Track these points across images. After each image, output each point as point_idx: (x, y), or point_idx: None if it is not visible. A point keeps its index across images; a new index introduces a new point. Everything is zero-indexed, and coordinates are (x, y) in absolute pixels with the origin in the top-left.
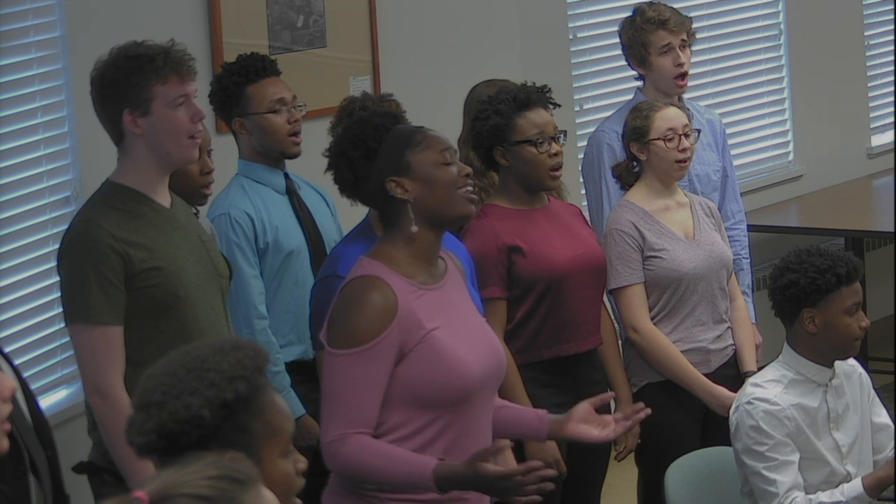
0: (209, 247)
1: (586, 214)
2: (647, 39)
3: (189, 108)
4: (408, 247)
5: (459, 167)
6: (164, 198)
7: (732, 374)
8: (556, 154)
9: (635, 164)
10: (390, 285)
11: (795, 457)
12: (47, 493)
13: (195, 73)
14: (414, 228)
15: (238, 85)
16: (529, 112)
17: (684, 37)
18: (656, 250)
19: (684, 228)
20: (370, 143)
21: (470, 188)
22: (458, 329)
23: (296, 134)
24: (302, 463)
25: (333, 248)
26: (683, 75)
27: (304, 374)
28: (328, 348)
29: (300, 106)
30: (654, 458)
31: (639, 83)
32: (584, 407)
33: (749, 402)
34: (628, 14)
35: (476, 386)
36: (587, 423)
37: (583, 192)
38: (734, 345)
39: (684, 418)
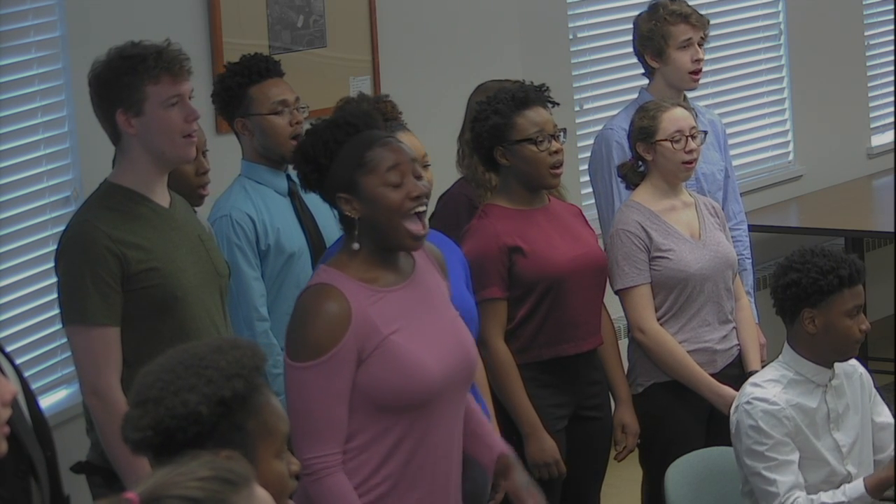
0: (209, 246)
1: (587, 214)
2: (668, 31)
3: (183, 108)
4: (365, 255)
5: (409, 188)
6: (162, 197)
7: (737, 374)
8: (556, 152)
9: (641, 163)
10: (343, 293)
11: (795, 456)
12: (45, 493)
13: (190, 73)
14: (355, 246)
15: (241, 85)
16: (528, 111)
17: (703, 34)
18: (663, 251)
19: (690, 229)
20: (320, 160)
21: (421, 208)
22: (421, 330)
23: (297, 136)
24: (295, 465)
25: (329, 247)
26: (698, 71)
27: None
28: (289, 361)
29: (303, 108)
30: (658, 458)
31: (643, 82)
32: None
33: (748, 402)
34: (628, 14)
35: (437, 389)
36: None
37: (583, 191)
38: (739, 345)
39: (690, 418)
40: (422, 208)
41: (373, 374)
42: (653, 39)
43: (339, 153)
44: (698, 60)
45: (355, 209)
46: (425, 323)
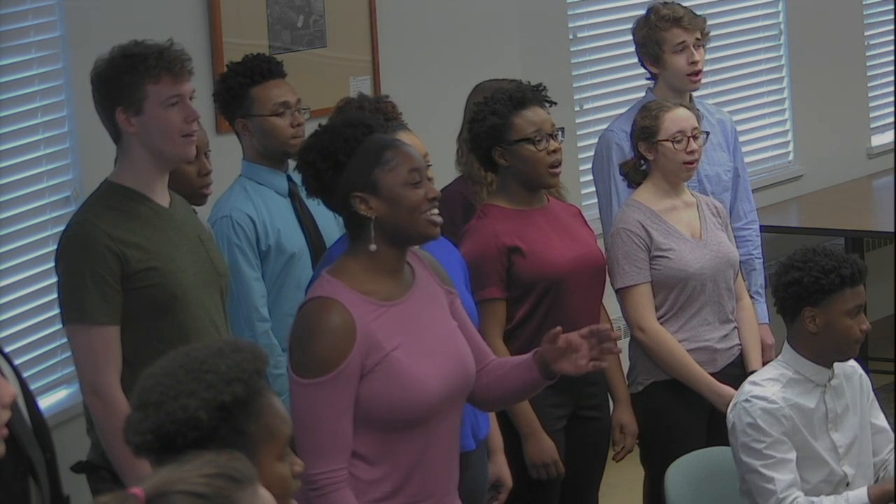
0: (209, 246)
1: (587, 214)
2: (661, 37)
3: (183, 108)
4: (370, 262)
5: (427, 189)
6: (162, 197)
7: (738, 374)
8: (554, 151)
9: (643, 163)
10: (347, 307)
11: (792, 455)
12: (45, 495)
13: (191, 74)
14: (373, 247)
15: (242, 86)
16: (526, 110)
17: (698, 35)
18: (663, 250)
19: (691, 228)
20: (339, 157)
21: (435, 211)
22: (421, 345)
23: (298, 137)
24: (298, 466)
25: (329, 247)
26: (697, 73)
27: None
28: (294, 377)
29: (304, 109)
30: (659, 458)
31: (649, 83)
32: (548, 350)
33: (746, 400)
34: (628, 14)
35: (437, 405)
36: (564, 359)
37: (583, 191)
38: (740, 344)
39: (690, 417)
40: (436, 211)
41: (374, 390)
42: (647, 46)
43: (359, 148)
44: (695, 62)
45: (372, 208)
46: (425, 338)
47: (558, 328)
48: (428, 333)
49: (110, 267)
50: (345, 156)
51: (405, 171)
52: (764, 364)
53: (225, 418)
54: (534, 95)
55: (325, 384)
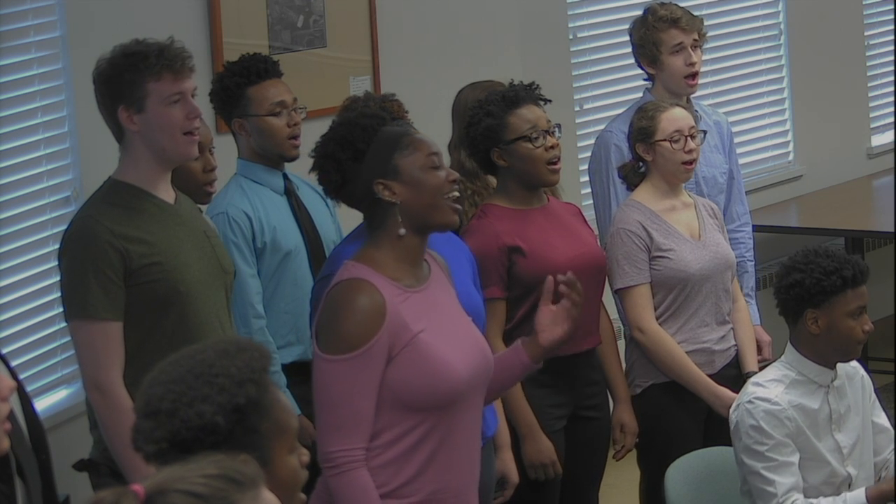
0: (215, 243)
1: (587, 215)
2: (658, 38)
3: (185, 105)
4: (392, 250)
5: (447, 172)
6: (166, 194)
7: (735, 375)
8: (552, 147)
9: (641, 164)
10: (377, 287)
11: (795, 458)
12: (35, 496)
13: (192, 71)
14: (402, 231)
15: (239, 86)
16: (520, 109)
17: (696, 36)
18: (664, 250)
19: (690, 229)
20: (358, 145)
21: (457, 193)
22: (444, 331)
23: (295, 137)
24: (305, 456)
25: (334, 247)
26: (694, 75)
27: (303, 375)
28: (320, 353)
29: (301, 109)
30: (656, 459)
31: (647, 83)
32: (542, 312)
33: (750, 402)
34: (628, 14)
35: (463, 388)
36: (552, 326)
37: (583, 191)
38: (736, 345)
39: (687, 419)
40: (457, 193)
41: (402, 372)
42: (645, 47)
43: (375, 137)
44: (692, 64)
45: (395, 194)
46: (447, 324)
47: (549, 277)
48: (449, 321)
49: (112, 263)
50: (364, 143)
51: (424, 154)
52: (761, 362)
53: (240, 420)
54: (527, 94)
55: (349, 361)
